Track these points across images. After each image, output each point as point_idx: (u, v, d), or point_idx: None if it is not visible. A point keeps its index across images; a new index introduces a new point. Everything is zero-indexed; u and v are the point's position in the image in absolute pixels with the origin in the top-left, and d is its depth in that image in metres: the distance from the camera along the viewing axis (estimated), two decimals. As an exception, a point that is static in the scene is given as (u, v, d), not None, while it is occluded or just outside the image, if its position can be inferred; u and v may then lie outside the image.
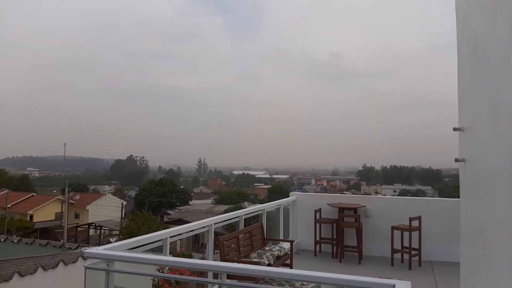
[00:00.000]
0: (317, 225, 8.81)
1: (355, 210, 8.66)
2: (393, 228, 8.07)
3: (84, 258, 12.00)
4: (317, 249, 8.82)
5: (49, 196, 53.43)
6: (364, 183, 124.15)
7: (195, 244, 32.84)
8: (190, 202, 69.44)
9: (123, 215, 43.67)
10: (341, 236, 8.37)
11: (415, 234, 7.94)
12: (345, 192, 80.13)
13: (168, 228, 5.53)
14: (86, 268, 3.42)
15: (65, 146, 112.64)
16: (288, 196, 9.60)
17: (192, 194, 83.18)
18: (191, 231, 5.25)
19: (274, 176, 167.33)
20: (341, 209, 8.67)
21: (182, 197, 69.64)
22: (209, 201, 73.21)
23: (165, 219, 50.44)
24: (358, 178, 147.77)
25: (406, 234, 7.99)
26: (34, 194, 54.96)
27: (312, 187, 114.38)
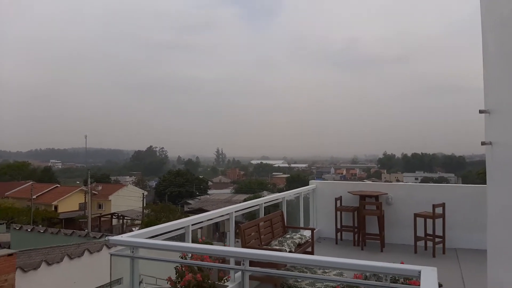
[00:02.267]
0: (338, 213, 8.75)
1: (376, 197, 8.56)
2: (416, 215, 7.95)
3: (109, 247, 12.35)
4: (338, 237, 8.78)
5: (72, 187, 54.88)
6: (385, 171, 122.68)
7: (216, 233, 33.25)
8: (209, 192, 70.16)
9: (144, 205, 44.50)
10: (362, 224, 8.29)
11: (438, 221, 7.80)
12: (365, 180, 79.39)
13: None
14: (111, 255, 3.48)
15: (86, 138, 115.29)
16: (308, 185, 9.56)
17: (211, 184, 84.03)
18: (212, 219, 5.29)
19: (293, 165, 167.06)
20: (362, 197, 8.58)
21: (202, 186, 70.41)
22: (228, 190, 73.79)
23: (185, 208, 51.18)
24: (379, 166, 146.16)
25: (429, 221, 7.86)
26: (58, 185, 56.54)
27: (331, 176, 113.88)
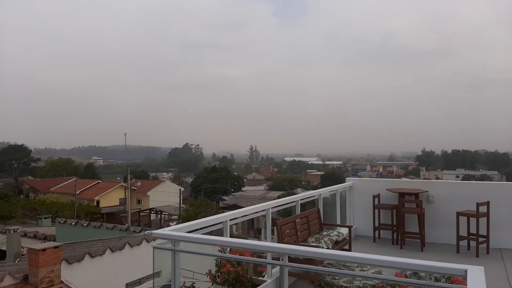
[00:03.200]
0: (376, 211, 8.58)
1: (416, 195, 8.31)
2: (458, 214, 7.66)
3: (148, 241, 12.66)
4: (376, 235, 8.61)
5: (113, 183, 56.89)
6: (424, 169, 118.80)
7: (250, 230, 33.45)
8: (243, 189, 70.68)
9: (181, 201, 45.49)
10: (401, 222, 8.08)
11: (482, 220, 7.48)
12: (402, 178, 77.21)
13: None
14: (154, 248, 3.59)
15: (125, 136, 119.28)
16: (343, 182, 9.43)
17: (245, 180, 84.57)
18: (249, 214, 5.33)
19: (327, 162, 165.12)
20: (402, 195, 8.35)
21: (236, 183, 71.06)
22: (262, 187, 73.98)
23: (220, 204, 51.82)
24: (417, 163, 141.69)
25: (472, 220, 7.55)
26: (99, 181, 58.81)
27: (368, 173, 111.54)
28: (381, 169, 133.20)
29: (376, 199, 8.69)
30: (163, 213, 44.05)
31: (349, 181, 9.44)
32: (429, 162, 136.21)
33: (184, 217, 34.15)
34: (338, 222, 8.38)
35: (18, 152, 76.09)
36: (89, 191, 51.24)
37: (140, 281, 13.09)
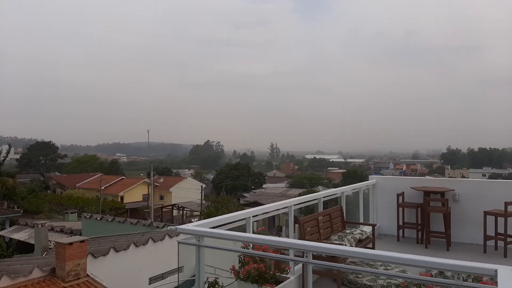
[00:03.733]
0: (400, 209, 8.44)
1: (442, 194, 8.13)
2: (486, 213, 7.45)
3: (170, 236, 12.82)
4: (400, 234, 8.47)
5: (136, 179, 57.90)
6: (449, 167, 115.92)
7: (272, 227, 33.47)
8: (263, 186, 70.67)
9: (203, 197, 45.90)
10: (426, 221, 7.92)
11: (511, 220, 7.26)
12: (427, 176, 75.51)
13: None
14: (179, 243, 3.64)
15: (148, 133, 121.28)
16: (365, 180, 9.31)
17: (265, 177, 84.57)
18: (272, 211, 5.33)
19: (349, 160, 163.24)
20: (427, 193, 8.19)
21: (257, 180, 71.12)
22: (282, 184, 73.80)
23: (241, 201, 52.02)
24: (442, 161, 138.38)
25: (500, 219, 7.33)
26: (123, 177, 59.96)
27: (390, 172, 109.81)
28: (404, 167, 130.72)
29: (400, 198, 8.54)
30: (185, 209, 44.56)
31: (373, 179, 9.31)
32: (454, 160, 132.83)
33: (206, 214, 34.46)
34: (361, 221, 8.28)
35: (46, 149, 78.33)
36: (113, 187, 52.32)
37: (163, 276, 13.27)
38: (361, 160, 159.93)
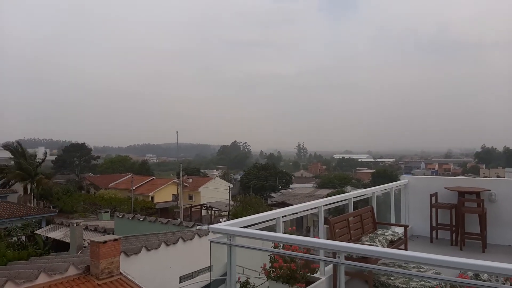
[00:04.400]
0: (433, 210, 8.21)
1: (477, 194, 7.86)
2: (525, 214, 7.15)
3: (200, 236, 12.93)
4: (433, 235, 8.24)
5: (166, 180, 58.98)
6: (484, 166, 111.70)
7: (300, 228, 33.30)
8: (291, 186, 70.40)
9: (231, 197, 46.25)
10: (461, 222, 7.68)
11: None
12: (460, 176, 73.03)
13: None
14: (211, 242, 3.69)
15: (177, 134, 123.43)
16: (396, 180, 9.11)
17: (293, 178, 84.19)
18: (302, 211, 5.32)
19: (378, 159, 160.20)
20: (461, 193, 7.93)
21: (284, 180, 70.95)
22: (310, 185, 73.25)
23: (269, 201, 52.03)
24: (476, 160, 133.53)
25: (542, 222, 7.01)
26: (153, 177, 61.22)
27: (422, 171, 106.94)
28: (436, 167, 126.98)
29: (433, 198, 8.32)
30: (213, 209, 45.01)
31: (404, 179, 9.10)
32: (489, 159, 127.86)
33: (233, 214, 34.70)
34: (393, 221, 8.12)
35: (80, 150, 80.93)
36: (144, 187, 53.49)
37: (192, 275, 13.44)
38: (391, 160, 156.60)
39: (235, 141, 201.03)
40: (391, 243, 6.04)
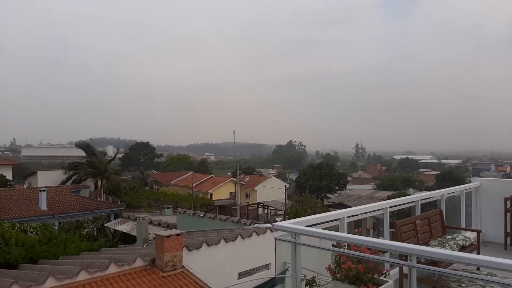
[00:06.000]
0: (508, 214, 7.62)
1: (561, 199, 7.17)
2: None
3: (258, 234, 13.07)
4: (508, 241, 7.65)
5: (224, 178, 60.38)
6: None
7: (360, 229, 32.48)
8: (348, 187, 68.82)
9: (286, 197, 46.26)
10: (541, 229, 7.06)
11: None
12: (537, 180, 66.77)
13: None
14: (276, 239, 3.73)
15: (234, 134, 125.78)
16: (463, 183, 8.57)
17: (350, 179, 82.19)
18: (367, 212, 5.20)
19: (443, 161, 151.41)
20: (542, 198, 7.29)
21: (341, 181, 69.52)
22: (369, 186, 71.04)
23: (325, 202, 51.27)
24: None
25: None
26: (212, 175, 62.92)
27: (492, 174, 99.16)
28: (508, 169, 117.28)
29: (509, 202, 7.72)
30: (270, 207, 45.30)
31: (476, 181, 8.54)
32: None
33: (291, 213, 34.64)
34: (463, 226, 7.66)
35: (144, 149, 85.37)
36: (203, 185, 55.19)
37: (250, 272, 13.63)
38: (457, 161, 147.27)
39: (291, 140, 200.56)
40: (462, 248, 5.70)
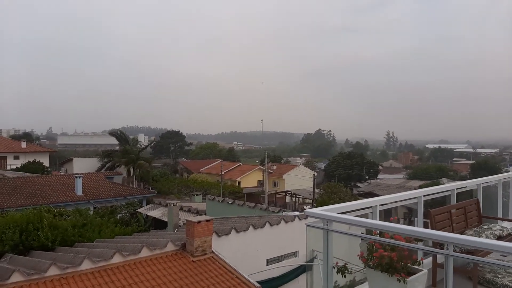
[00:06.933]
0: (550, 206, 7.28)
1: None
2: None
3: (286, 221, 13.08)
4: (549, 234, 7.32)
5: (252, 166, 60.74)
6: None
7: (388, 219, 31.96)
8: (378, 176, 67.65)
9: (315, 185, 46.04)
10: None
11: None
12: None
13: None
14: (307, 226, 3.72)
15: (262, 122, 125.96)
16: (499, 173, 8.23)
17: (380, 168, 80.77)
18: (400, 201, 5.10)
19: (479, 150, 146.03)
20: None
21: (371, 170, 68.42)
22: (400, 175, 69.59)
23: (355, 191, 50.69)
24: None
25: None
26: (240, 164, 63.41)
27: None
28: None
29: (551, 193, 7.37)
30: (298, 196, 45.26)
31: (514, 171, 8.20)
32: None
33: (319, 202, 34.46)
34: (500, 216, 7.38)
35: (175, 137, 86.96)
36: (231, 173, 55.74)
37: (278, 259, 13.72)
38: (493, 151, 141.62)
39: (319, 129, 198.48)
40: (499, 239, 5.50)
